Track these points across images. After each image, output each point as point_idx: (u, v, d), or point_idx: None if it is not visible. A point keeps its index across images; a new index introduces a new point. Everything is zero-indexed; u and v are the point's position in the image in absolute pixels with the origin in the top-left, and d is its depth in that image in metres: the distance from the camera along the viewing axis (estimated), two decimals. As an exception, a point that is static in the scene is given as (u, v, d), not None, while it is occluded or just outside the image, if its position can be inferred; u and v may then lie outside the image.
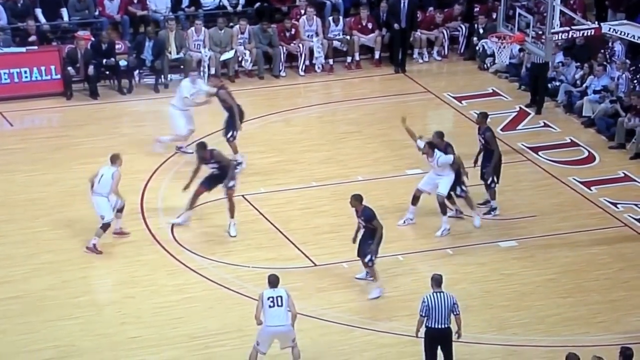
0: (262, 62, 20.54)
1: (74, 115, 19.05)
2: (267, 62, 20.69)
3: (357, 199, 13.74)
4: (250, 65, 20.49)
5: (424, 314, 11.82)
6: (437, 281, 11.93)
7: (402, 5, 20.62)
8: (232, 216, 15.15)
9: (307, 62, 20.72)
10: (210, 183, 15.22)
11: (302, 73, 20.50)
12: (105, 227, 14.68)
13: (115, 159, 14.81)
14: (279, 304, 11.94)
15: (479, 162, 15.71)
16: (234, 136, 16.84)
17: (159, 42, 19.89)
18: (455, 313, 11.89)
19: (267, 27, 20.50)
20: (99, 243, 14.65)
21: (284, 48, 20.60)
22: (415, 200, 15.34)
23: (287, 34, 20.71)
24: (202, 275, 14.36)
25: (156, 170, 16.96)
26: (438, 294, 11.86)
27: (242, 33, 20.39)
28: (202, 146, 15.23)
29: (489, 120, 16.00)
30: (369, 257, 13.68)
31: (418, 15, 21.06)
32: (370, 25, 20.94)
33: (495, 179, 15.60)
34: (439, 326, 11.84)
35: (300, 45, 20.61)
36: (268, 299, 11.97)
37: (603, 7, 21.28)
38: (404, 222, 15.39)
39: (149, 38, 19.85)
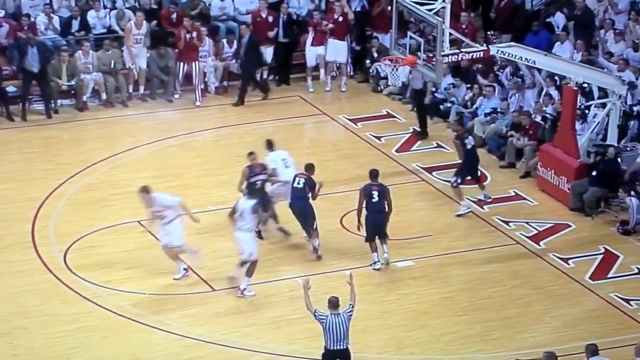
0: (157, 86, 20.29)
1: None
2: (161, 86, 20.45)
3: None
4: (142, 89, 20.22)
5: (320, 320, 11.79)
6: (333, 303, 11.92)
7: (281, 19, 20.48)
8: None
9: (202, 86, 20.51)
10: None
11: (197, 103, 20.11)
12: None
13: None
14: None
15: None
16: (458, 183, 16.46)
17: (42, 47, 19.17)
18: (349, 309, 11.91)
19: (163, 53, 20.21)
20: None
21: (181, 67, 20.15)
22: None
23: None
24: (97, 303, 14.05)
25: (47, 198, 16.54)
26: (335, 315, 11.84)
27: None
28: None
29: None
30: None
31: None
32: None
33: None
34: (337, 347, 11.82)
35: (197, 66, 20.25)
36: None
37: (491, 29, 21.72)
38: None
39: (30, 45, 19.13)
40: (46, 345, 13.23)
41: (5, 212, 16.15)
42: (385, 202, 14.99)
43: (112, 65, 19.85)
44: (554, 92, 18.53)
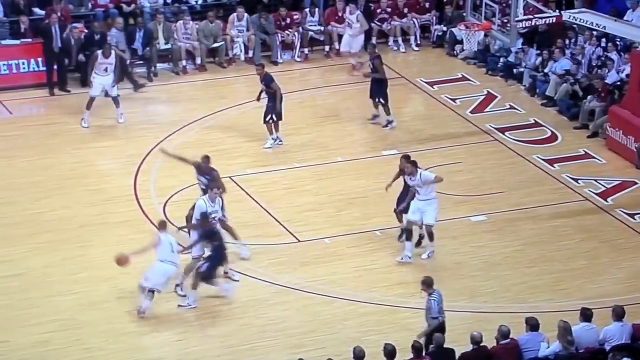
0: (260, 49, 20.35)
1: (68, 103, 19.00)
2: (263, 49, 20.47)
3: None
4: (242, 54, 20.27)
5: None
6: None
7: None
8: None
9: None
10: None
11: (298, 59, 20.40)
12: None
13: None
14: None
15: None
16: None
17: (148, 32, 19.83)
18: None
19: (265, 17, 20.37)
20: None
21: (279, 36, 20.47)
22: (409, 235, 14.02)
23: (283, 23, 20.61)
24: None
25: (148, 154, 16.97)
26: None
27: (240, 21, 20.27)
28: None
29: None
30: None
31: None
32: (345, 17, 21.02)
33: (385, 98, 17.32)
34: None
35: (296, 33, 20.47)
36: None
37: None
38: (402, 259, 14.07)
39: (139, 29, 19.80)
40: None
41: (110, 167, 16.62)
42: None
43: (217, 41, 19.92)
44: (615, 57, 18.26)
